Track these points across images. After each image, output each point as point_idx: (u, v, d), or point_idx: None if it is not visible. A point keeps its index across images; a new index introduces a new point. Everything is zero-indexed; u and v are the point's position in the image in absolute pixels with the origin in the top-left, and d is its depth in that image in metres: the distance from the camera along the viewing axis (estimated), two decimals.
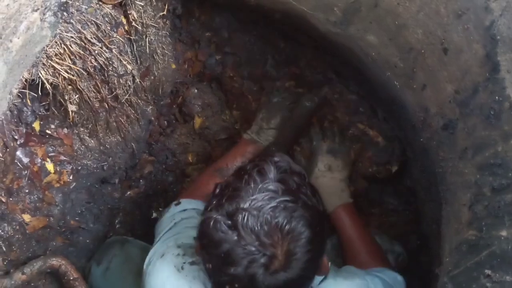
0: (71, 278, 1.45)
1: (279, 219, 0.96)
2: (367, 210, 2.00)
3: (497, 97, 0.89)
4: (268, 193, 0.98)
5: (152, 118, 2.00)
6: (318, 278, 1.18)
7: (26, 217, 1.61)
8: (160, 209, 2.20)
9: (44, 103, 1.60)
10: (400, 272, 1.49)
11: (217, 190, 1.06)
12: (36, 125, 1.64)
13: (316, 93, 1.77)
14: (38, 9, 1.01)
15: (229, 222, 0.97)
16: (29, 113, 1.60)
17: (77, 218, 1.84)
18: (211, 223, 0.98)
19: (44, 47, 1.21)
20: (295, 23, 1.50)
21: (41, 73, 1.32)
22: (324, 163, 1.72)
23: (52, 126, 1.70)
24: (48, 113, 1.64)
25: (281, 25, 1.72)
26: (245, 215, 0.96)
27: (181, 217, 1.45)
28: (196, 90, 2.04)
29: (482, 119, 0.94)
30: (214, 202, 1.03)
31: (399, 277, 1.42)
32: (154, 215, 2.19)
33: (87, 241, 1.91)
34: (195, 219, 1.38)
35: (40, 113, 1.63)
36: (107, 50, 1.50)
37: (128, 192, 2.06)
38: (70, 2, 1.27)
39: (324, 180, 1.70)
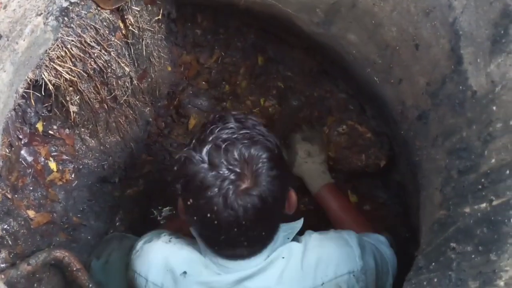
0: (74, 269, 1.51)
1: (241, 146, 1.09)
2: (359, 208, 2.07)
3: (461, 87, 0.97)
4: (229, 130, 1.12)
5: (150, 119, 2.06)
6: (295, 225, 1.29)
7: (31, 213, 1.66)
8: (159, 207, 2.28)
9: (46, 104, 1.65)
10: None
11: (188, 141, 1.19)
12: (39, 126, 1.69)
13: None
14: (41, 13, 1.09)
15: (199, 155, 1.10)
16: (33, 114, 1.66)
17: (79, 215, 1.88)
18: (185, 160, 1.12)
19: (47, 50, 1.28)
20: (282, 25, 1.58)
21: (44, 75, 1.38)
22: (303, 149, 1.85)
23: (55, 127, 1.75)
24: (51, 114, 1.68)
25: (272, 27, 1.81)
26: (212, 146, 1.09)
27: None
28: (191, 92, 2.12)
29: (450, 108, 1.02)
30: (185, 148, 1.15)
31: (381, 237, 1.50)
32: (155, 213, 2.28)
33: (89, 237, 1.94)
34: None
35: (43, 114, 1.68)
36: (105, 53, 1.55)
37: (128, 191, 2.11)
38: (71, 7, 1.34)
39: (306, 165, 1.83)
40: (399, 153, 1.75)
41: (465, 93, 0.96)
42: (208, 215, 1.10)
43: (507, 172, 0.83)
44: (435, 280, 0.89)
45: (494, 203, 0.84)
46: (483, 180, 0.88)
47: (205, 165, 1.09)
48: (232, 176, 1.07)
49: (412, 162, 1.39)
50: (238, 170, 1.08)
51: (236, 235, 1.13)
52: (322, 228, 1.86)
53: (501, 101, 0.87)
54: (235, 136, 1.11)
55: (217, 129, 1.13)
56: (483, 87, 0.91)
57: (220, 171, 1.08)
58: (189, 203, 1.14)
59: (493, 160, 0.87)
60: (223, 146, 1.09)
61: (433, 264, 0.95)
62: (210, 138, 1.11)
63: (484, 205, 0.86)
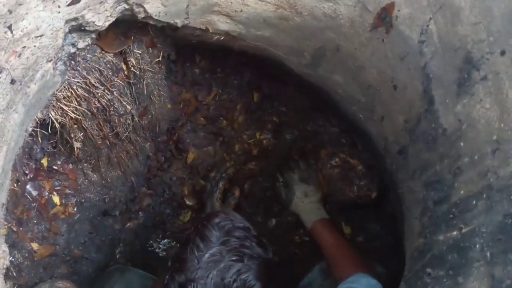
0: None
1: (225, 281, 1.02)
2: (353, 239, 2.12)
3: (433, 125, 1.06)
4: (212, 258, 1.04)
5: (150, 154, 2.12)
6: None
7: (35, 245, 1.70)
8: (158, 239, 2.32)
9: (52, 141, 1.71)
10: None
11: (169, 263, 1.12)
12: (44, 161, 1.75)
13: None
14: (51, 59, 1.19)
15: None
16: (39, 150, 1.71)
17: (80, 248, 1.92)
18: None
19: (54, 91, 1.38)
20: (275, 66, 1.68)
21: (51, 114, 1.46)
22: (301, 190, 1.93)
23: (59, 162, 1.80)
24: (55, 150, 1.74)
25: (266, 67, 1.91)
26: (194, 285, 1.02)
27: None
28: (190, 128, 2.20)
29: (425, 144, 1.11)
30: (167, 276, 1.09)
31: (372, 281, 1.53)
32: (154, 246, 2.31)
33: (90, 270, 1.98)
34: None
35: (48, 150, 1.74)
36: (109, 93, 1.62)
37: (128, 224, 2.16)
38: (78, 52, 1.44)
39: (303, 205, 1.91)
40: (388, 185, 1.82)
41: (437, 131, 1.05)
42: None
43: (474, 202, 0.91)
44: None
45: (463, 230, 0.91)
46: (454, 209, 0.96)
47: None
48: None
49: (397, 194, 1.47)
50: None
51: None
52: (316, 260, 1.92)
53: (467, 137, 0.95)
54: (220, 267, 1.03)
55: (199, 260, 1.04)
56: (452, 125, 1.00)
57: None
58: None
59: (462, 192, 0.95)
60: (205, 284, 1.02)
61: None
62: (190, 275, 1.03)
63: (455, 232, 0.93)
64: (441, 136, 1.04)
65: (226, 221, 1.11)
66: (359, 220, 2.13)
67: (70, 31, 1.22)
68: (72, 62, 1.45)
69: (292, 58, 1.50)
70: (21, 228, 1.68)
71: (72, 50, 1.32)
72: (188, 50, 2.00)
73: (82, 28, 1.21)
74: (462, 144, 0.96)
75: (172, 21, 1.37)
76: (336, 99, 1.55)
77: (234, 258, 1.05)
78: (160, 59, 1.77)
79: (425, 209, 1.09)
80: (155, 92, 1.88)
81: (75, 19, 1.13)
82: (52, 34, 1.09)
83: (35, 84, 1.15)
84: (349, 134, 1.98)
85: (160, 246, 2.27)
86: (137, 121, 1.85)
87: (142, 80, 1.75)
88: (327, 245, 1.79)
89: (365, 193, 2.01)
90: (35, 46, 1.06)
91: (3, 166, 1.08)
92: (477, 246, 0.84)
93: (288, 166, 2.01)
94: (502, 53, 0.88)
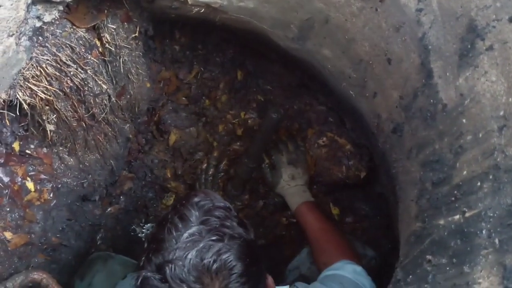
0: None
1: (205, 261, 0.96)
2: (341, 220, 2.09)
3: (432, 100, 0.99)
4: (191, 238, 0.98)
5: (130, 136, 2.05)
6: None
7: (8, 235, 1.64)
8: (141, 224, 2.27)
9: (23, 124, 1.64)
10: (373, 275, 1.54)
11: (145, 244, 1.06)
12: (16, 145, 1.68)
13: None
14: (13, 34, 1.08)
15: (159, 276, 0.97)
16: (9, 133, 1.64)
17: (58, 235, 1.86)
18: (143, 280, 0.99)
19: (20, 70, 1.28)
20: (260, 41, 1.60)
21: (18, 94, 1.38)
22: (288, 173, 1.90)
23: (32, 146, 1.73)
24: (27, 133, 1.67)
25: (250, 43, 1.82)
26: (171, 266, 0.96)
27: None
28: (171, 108, 2.12)
29: (422, 121, 1.04)
30: (143, 257, 1.03)
31: (357, 268, 1.49)
32: (137, 230, 2.27)
33: (69, 257, 1.93)
34: None
35: (19, 134, 1.67)
36: (82, 71, 1.54)
37: (109, 209, 2.10)
38: (45, 27, 1.34)
39: (289, 187, 1.88)
40: (379, 165, 1.77)
41: (436, 106, 0.98)
42: None
43: (478, 184, 0.84)
44: None
45: (467, 214, 0.85)
46: (455, 192, 0.90)
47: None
48: None
49: (390, 174, 1.41)
50: None
51: None
52: (304, 242, 1.88)
53: (470, 113, 0.88)
54: (199, 246, 0.98)
55: (177, 240, 0.99)
56: (453, 100, 0.93)
57: None
58: None
59: (464, 172, 0.89)
60: (184, 265, 0.97)
61: (410, 276, 0.95)
62: (168, 256, 0.98)
63: (457, 216, 0.87)
64: (441, 112, 0.96)
65: (205, 201, 1.06)
66: (348, 200, 2.12)
67: (33, 2, 1.12)
68: (40, 37, 1.36)
69: (278, 31, 1.41)
70: None
71: (38, 24, 1.22)
72: (166, 26, 1.92)
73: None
74: (464, 120, 0.89)
75: None
76: (325, 75, 1.47)
77: (214, 238, 0.99)
78: (136, 34, 1.68)
79: (423, 191, 1.02)
80: (133, 71, 1.80)
81: None
82: (12, 5, 0.99)
83: None
84: (337, 112, 1.92)
85: (143, 230, 2.26)
86: (115, 101, 1.77)
87: (118, 57, 1.66)
88: (311, 229, 1.75)
89: (353, 173, 1.99)
90: None
91: None
92: (484, 231, 0.78)
93: (277, 147, 1.96)
94: (510, 20, 0.80)
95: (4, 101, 1.29)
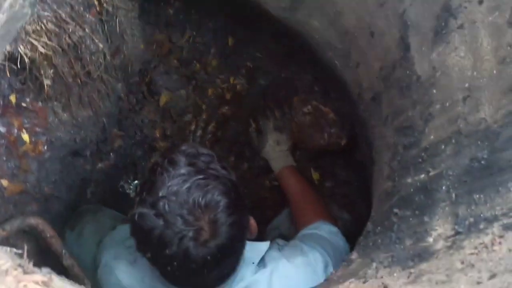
0: (48, 235, 1.57)
1: (195, 197, 1.07)
2: (321, 184, 2.19)
3: (408, 72, 1.09)
4: (180, 178, 1.09)
5: (122, 95, 2.10)
6: (261, 247, 1.31)
7: (4, 182, 1.68)
8: (129, 181, 2.34)
9: (20, 77, 1.65)
10: (348, 237, 1.62)
11: (138, 189, 1.17)
12: (13, 98, 1.69)
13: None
14: None
15: (153, 211, 1.07)
16: (6, 86, 1.67)
17: (51, 186, 1.90)
18: (138, 217, 1.09)
19: (24, 23, 1.33)
20: (252, 9, 1.66)
21: (20, 48, 1.42)
22: (273, 138, 2.01)
23: (28, 99, 1.74)
24: (24, 86, 1.69)
25: (242, 10, 1.88)
26: (165, 201, 1.07)
27: None
28: (163, 70, 2.17)
29: (398, 91, 1.14)
30: (137, 199, 1.13)
31: (333, 228, 1.61)
32: (125, 187, 2.33)
33: (61, 209, 1.98)
34: None
35: (16, 87, 1.71)
36: (80, 29, 1.58)
37: (99, 165, 2.15)
38: None
39: (274, 152, 1.99)
40: (359, 133, 1.86)
41: (411, 78, 1.08)
42: (168, 268, 1.09)
43: (442, 147, 0.95)
44: (379, 240, 1.02)
45: (431, 174, 0.96)
46: (423, 154, 1.01)
47: (160, 222, 1.06)
48: (190, 234, 1.05)
49: (368, 140, 1.51)
50: (195, 224, 1.06)
51: (196, 279, 1.14)
52: (285, 204, 1.98)
53: (440, 85, 0.99)
54: (188, 185, 1.08)
55: (168, 179, 1.09)
56: (426, 72, 1.03)
57: (176, 228, 1.05)
58: (148, 256, 1.13)
59: (432, 137, 0.99)
60: (177, 200, 1.06)
61: (379, 227, 1.07)
62: (161, 193, 1.07)
63: (422, 176, 0.98)
64: (415, 83, 1.07)
65: (192, 149, 1.17)
66: (328, 166, 2.20)
67: None
68: None
69: (270, 0, 1.48)
70: None
71: None
72: None
73: None
74: (434, 91, 1.00)
75: None
76: (313, 45, 1.55)
77: (201, 177, 1.10)
78: None
79: (395, 154, 1.13)
80: (128, 31, 1.85)
81: None
82: None
83: (3, 14, 1.10)
84: (322, 82, 2.00)
85: (131, 187, 2.30)
86: (109, 60, 1.81)
87: (114, 17, 1.71)
88: (292, 191, 1.87)
89: (335, 140, 2.06)
90: None
91: None
92: (443, 188, 0.89)
93: (264, 113, 2.04)
94: (480, 2, 0.89)
95: (8, 52, 1.34)
